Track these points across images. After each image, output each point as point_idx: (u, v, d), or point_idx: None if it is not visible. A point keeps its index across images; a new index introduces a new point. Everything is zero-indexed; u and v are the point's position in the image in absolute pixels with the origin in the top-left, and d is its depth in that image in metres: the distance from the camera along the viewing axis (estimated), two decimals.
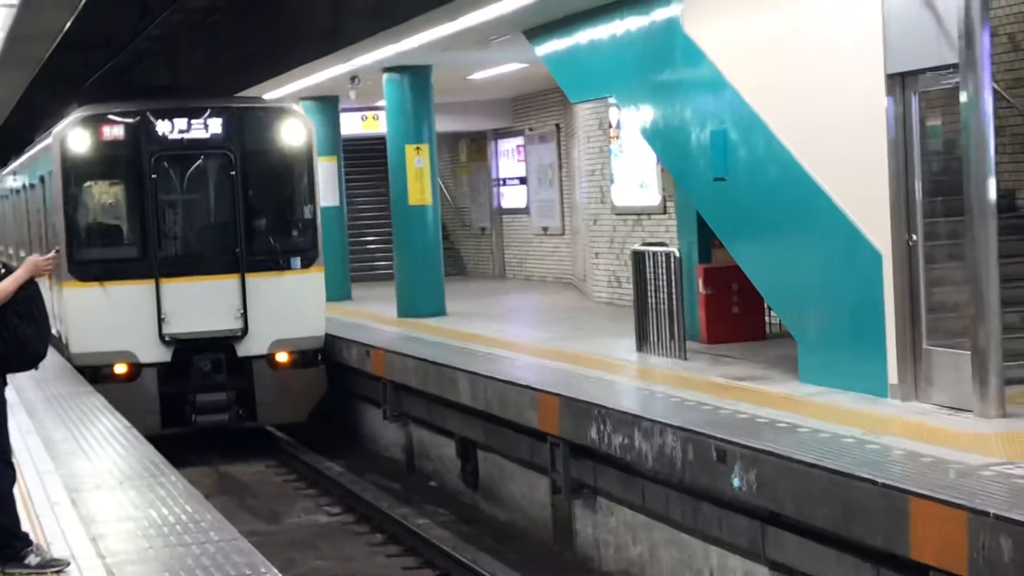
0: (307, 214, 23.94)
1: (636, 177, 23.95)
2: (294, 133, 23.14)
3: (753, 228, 16.21)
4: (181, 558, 9.45)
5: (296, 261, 22.78)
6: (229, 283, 22.34)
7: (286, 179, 24.11)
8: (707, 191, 17.15)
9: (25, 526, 9.62)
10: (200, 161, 22.96)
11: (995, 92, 13.19)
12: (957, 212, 12.81)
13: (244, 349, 22.35)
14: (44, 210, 26.41)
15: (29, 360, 9.37)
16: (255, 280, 22.46)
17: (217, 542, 9.87)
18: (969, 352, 12.53)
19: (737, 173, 16.04)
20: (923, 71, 13.02)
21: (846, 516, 10.71)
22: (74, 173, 22.44)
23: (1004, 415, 12.30)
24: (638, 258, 18.76)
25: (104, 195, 23.87)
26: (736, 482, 12.00)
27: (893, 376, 13.51)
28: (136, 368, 21.86)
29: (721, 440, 12.39)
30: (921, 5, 12.76)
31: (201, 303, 22.24)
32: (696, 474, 12.80)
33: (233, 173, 22.54)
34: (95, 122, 22.05)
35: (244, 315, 22.27)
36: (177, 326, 21.89)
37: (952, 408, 12.65)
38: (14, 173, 36.00)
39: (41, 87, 34.64)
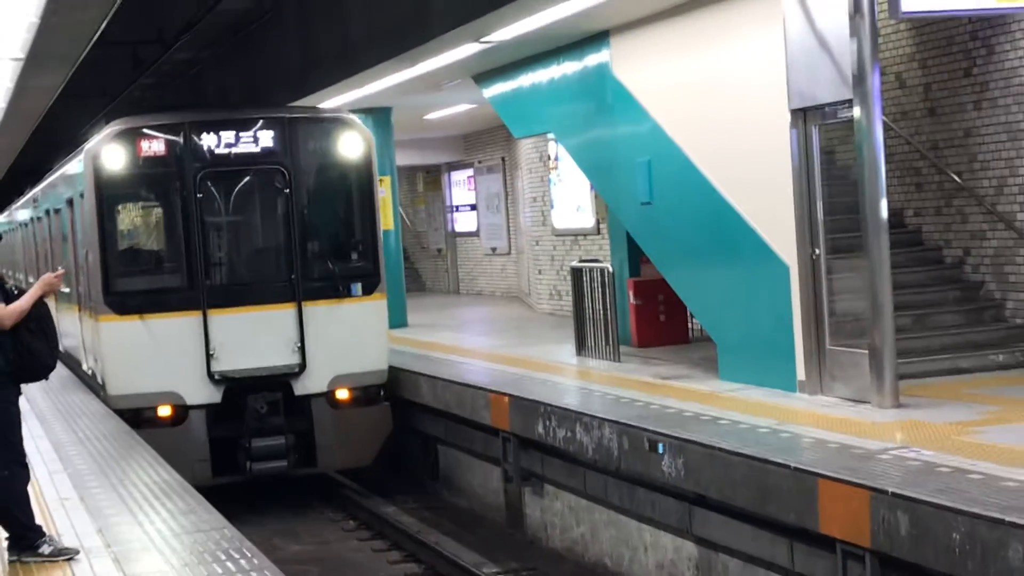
0: (367, 236, 18.53)
1: (573, 202, 23.95)
2: (353, 146, 18.09)
3: (676, 246, 16.26)
4: (186, 546, 9.38)
5: (357, 288, 17.84)
6: (284, 313, 17.51)
7: (344, 197, 18.89)
8: (635, 214, 17.22)
9: (38, 520, 9.54)
10: (250, 178, 17.96)
11: (884, 124, 13.29)
12: (854, 229, 12.88)
13: (302, 387, 17.45)
14: (72, 237, 21.28)
15: (40, 372, 9.32)
16: (313, 309, 17.55)
17: (221, 529, 9.81)
18: (867, 351, 12.59)
19: (661, 198, 16.13)
20: (822, 106, 13.08)
21: (763, 497, 10.74)
22: (109, 194, 17.33)
23: (898, 406, 12.37)
24: (576, 274, 18.72)
25: (143, 218, 18.47)
26: (664, 461, 12.06)
27: (801, 373, 13.57)
28: (182, 410, 16.98)
29: (652, 432, 12.43)
30: (819, 49, 12.82)
31: (253, 336, 17.35)
32: (631, 462, 12.82)
33: (287, 191, 17.56)
34: (132, 136, 16.98)
35: (301, 349, 17.43)
36: (227, 363, 17.07)
37: (853, 400, 12.71)
38: (34, 200, 29.49)
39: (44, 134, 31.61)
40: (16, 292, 9.19)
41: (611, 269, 18.15)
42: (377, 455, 18.40)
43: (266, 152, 17.59)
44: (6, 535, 9.24)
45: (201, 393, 17.06)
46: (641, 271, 18.93)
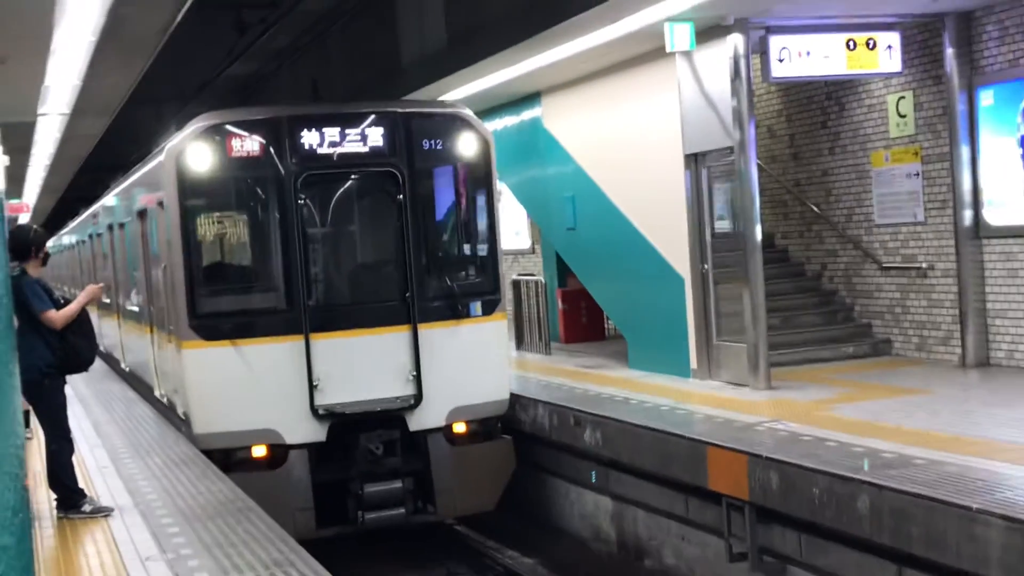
0: (487, 248, 13.11)
1: (513, 228, 23.93)
2: (472, 145, 12.71)
3: (596, 262, 16.30)
4: (204, 503, 9.29)
5: (476, 307, 12.52)
6: (397, 338, 12.09)
7: (462, 204, 13.34)
8: (563, 237, 17.23)
9: (81, 484, 9.44)
10: (358, 183, 12.44)
11: (758, 166, 13.36)
12: (736, 248, 12.93)
13: (417, 422, 12.05)
14: (143, 250, 15.36)
15: (83, 366, 9.23)
16: (429, 332, 12.20)
17: (234, 492, 9.73)
18: (745, 345, 12.67)
19: (584, 224, 16.17)
20: (709, 152, 13.14)
21: (664, 461, 10.80)
22: (194, 200, 11.98)
23: (770, 388, 12.43)
24: (516, 285, 18.61)
25: (233, 228, 12.48)
26: (586, 433, 12.06)
27: (693, 363, 13.62)
28: (281, 451, 11.62)
29: (577, 410, 12.43)
30: (707, 106, 12.88)
31: (363, 364, 12.02)
32: (559, 434, 12.80)
33: (399, 197, 12.16)
34: (220, 134, 11.68)
35: (417, 378, 12.07)
36: (333, 395, 11.75)
37: (735, 384, 12.75)
38: (94, 216, 22.95)
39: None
40: (63, 300, 9.07)
41: (543, 281, 18.21)
42: (500, 497, 12.80)
43: (375, 152, 12.26)
44: (55, 497, 9.13)
45: (303, 431, 11.70)
46: (567, 283, 18.84)
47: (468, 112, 12.78)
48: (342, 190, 12.40)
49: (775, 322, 13.91)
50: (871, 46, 13.04)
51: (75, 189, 31.48)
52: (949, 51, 12.96)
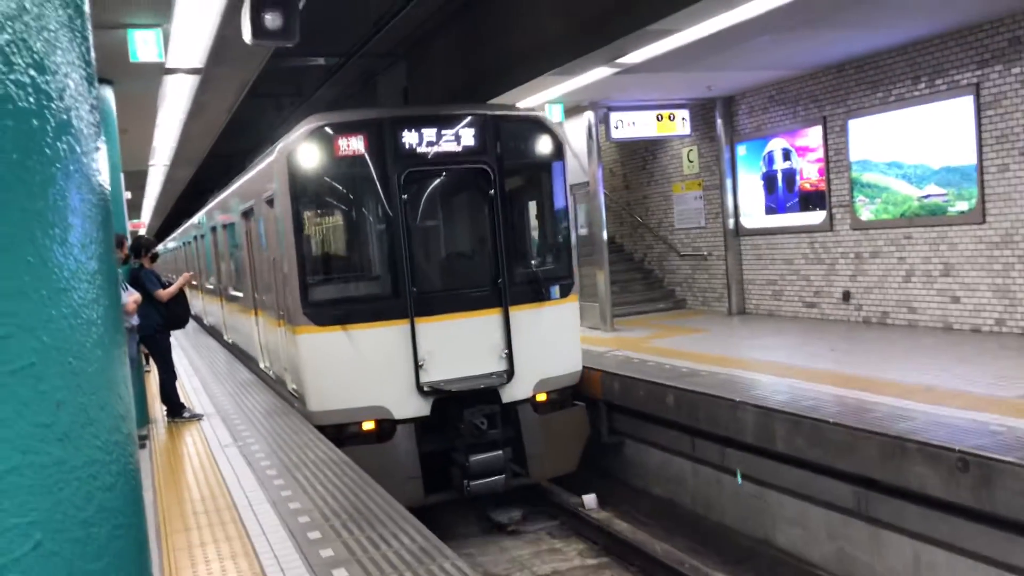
0: (563, 237, 10.19)
1: None
2: (550, 145, 9.81)
3: None
4: (261, 409, 9.19)
5: (555, 290, 9.68)
6: (491, 319, 9.21)
7: (543, 198, 10.20)
8: None
9: (183, 399, 9.29)
10: (454, 178, 9.46)
11: (605, 193, 13.43)
12: (592, 244, 12.98)
13: (509, 394, 9.17)
14: (247, 246, 11.79)
15: (181, 325, 9.08)
16: (517, 314, 9.34)
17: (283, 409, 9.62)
18: (598, 304, 12.73)
19: None
20: (577, 184, 13.22)
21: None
22: (306, 196, 8.91)
23: (614, 331, 12.50)
24: None
25: (341, 221, 9.36)
26: None
27: None
28: (389, 425, 8.83)
29: None
30: (574, 155, 12.95)
31: (461, 345, 9.16)
32: None
33: (492, 192, 9.30)
34: (328, 134, 8.84)
35: (509, 355, 9.19)
36: (436, 373, 8.96)
37: (593, 328, 12.79)
38: (197, 225, 18.43)
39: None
40: (168, 282, 8.95)
41: None
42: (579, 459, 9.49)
43: (468, 151, 9.28)
44: (165, 409, 8.99)
45: (409, 406, 8.78)
46: None
47: (546, 117, 9.59)
48: (439, 185, 9.07)
49: (616, 289, 14.05)
50: (672, 118, 13.21)
51: (175, 213, 31.89)
52: (719, 121, 13.17)
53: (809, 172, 11.88)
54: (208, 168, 20.14)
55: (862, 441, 6.18)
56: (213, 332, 17.86)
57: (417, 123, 8.72)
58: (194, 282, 19.16)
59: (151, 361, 9.61)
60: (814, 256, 11.92)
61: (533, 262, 9.39)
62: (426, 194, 8.95)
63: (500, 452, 8.68)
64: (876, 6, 8.20)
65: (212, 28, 7.30)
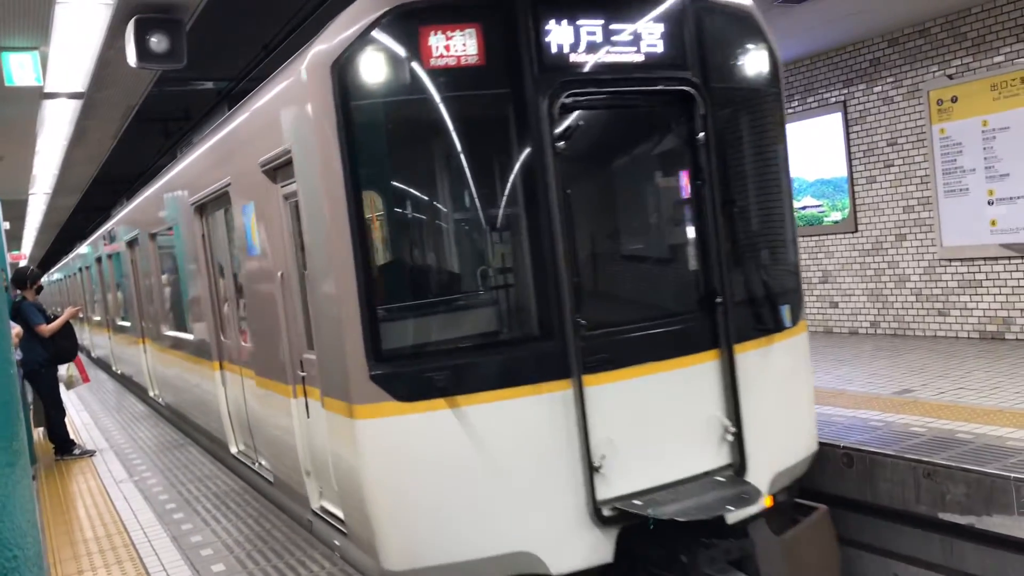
0: (788, 222, 4.34)
1: None
2: (767, 62, 4.09)
3: None
4: (157, 443, 8.79)
5: (785, 313, 4.10)
6: (702, 371, 3.77)
7: (762, 150, 4.16)
8: None
9: (72, 436, 8.86)
10: (633, 114, 3.64)
11: None
12: None
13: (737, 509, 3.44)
14: (205, 261, 6.34)
15: (67, 359, 8.73)
16: (742, 358, 3.90)
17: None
18: None
19: None
20: None
21: None
22: (374, 150, 3.09)
23: None
24: None
25: (442, 199, 3.34)
26: None
27: None
28: None
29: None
30: None
31: (659, 422, 3.65)
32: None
33: (700, 137, 3.69)
34: (411, 28, 2.94)
35: (738, 435, 3.82)
36: (622, 480, 3.45)
37: None
38: (110, 233, 12.46)
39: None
40: (53, 316, 8.59)
41: None
42: None
43: (657, 60, 3.89)
44: (53, 446, 8.56)
45: (576, 548, 3.65)
46: None
47: (758, 11, 4.71)
48: (610, 127, 4.34)
49: None
50: None
51: (57, 243, 30.77)
52: None
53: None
54: (94, 199, 19.44)
55: None
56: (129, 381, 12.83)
57: (572, 8, 4.01)
58: (81, 315, 18.31)
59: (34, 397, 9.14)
60: None
61: (759, 265, 4.59)
62: (589, 143, 4.17)
63: None
64: None
65: (94, 51, 7.05)
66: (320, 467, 4.62)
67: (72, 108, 8.88)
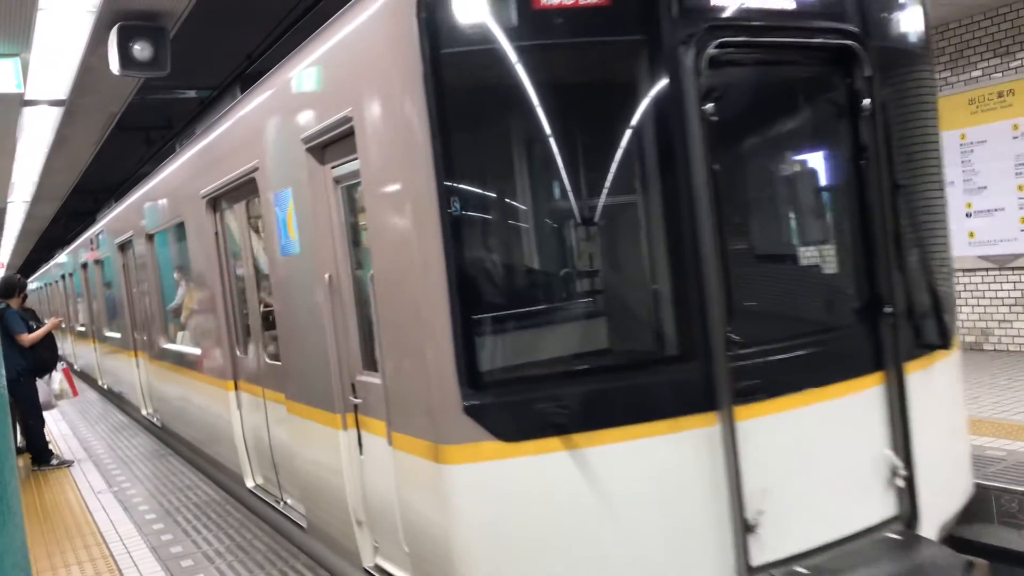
0: (943, 214, 3.26)
1: None
2: (921, 21, 3.02)
3: None
4: (137, 452, 8.70)
5: (947, 326, 3.15)
6: (862, 399, 2.78)
7: (921, 129, 3.09)
8: None
9: (51, 446, 8.76)
10: (787, 74, 2.71)
11: None
12: None
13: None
14: (221, 265, 5.33)
15: (47, 371, 8.64)
16: (911, 380, 2.89)
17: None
18: None
19: None
20: None
21: None
22: (466, 115, 2.21)
23: None
24: None
25: (557, 178, 2.34)
26: None
27: None
28: None
29: None
30: None
31: (820, 464, 2.73)
32: None
33: (866, 104, 2.67)
34: None
35: (910, 477, 2.78)
36: (782, 541, 2.48)
37: None
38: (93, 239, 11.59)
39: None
40: (36, 326, 8.51)
41: None
42: None
43: (814, 10, 2.92)
44: (31, 456, 8.47)
45: None
46: None
47: None
48: (761, 90, 3.26)
49: None
50: None
51: (36, 251, 30.60)
52: None
53: None
54: (73, 208, 19.30)
55: None
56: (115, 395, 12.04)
57: None
58: (63, 325, 18.11)
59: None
60: None
61: (924, 267, 3.67)
62: (732, 110, 3.16)
63: None
64: None
65: (76, 58, 7.01)
66: (378, 517, 3.60)
67: (53, 115, 8.82)
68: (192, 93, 14.94)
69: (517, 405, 2.75)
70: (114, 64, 6.24)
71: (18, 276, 9.12)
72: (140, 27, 6.20)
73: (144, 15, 6.22)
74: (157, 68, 6.28)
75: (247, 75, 5.74)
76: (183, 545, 5.43)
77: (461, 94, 2.76)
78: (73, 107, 8.55)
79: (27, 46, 6.53)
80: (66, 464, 8.42)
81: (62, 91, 7.90)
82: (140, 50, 6.21)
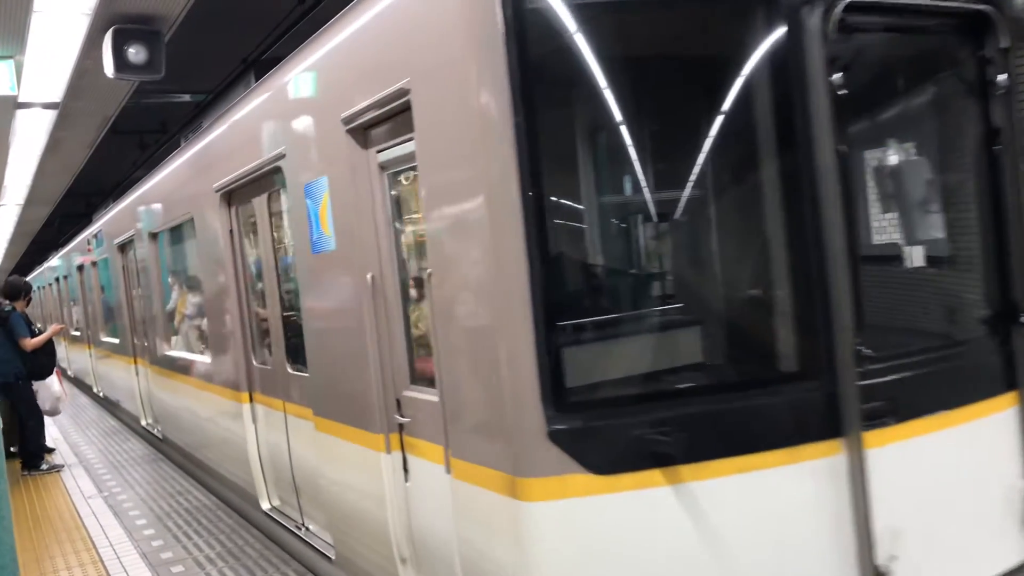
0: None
1: None
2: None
3: None
4: (127, 457, 8.65)
5: None
6: (998, 422, 2.23)
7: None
8: None
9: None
10: (923, 43, 2.14)
11: None
12: None
13: None
14: (270, 262, 4.36)
15: (44, 375, 8.63)
16: None
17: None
18: None
19: None
20: None
21: None
22: (560, 73, 1.74)
23: None
24: None
25: (651, 157, 1.79)
26: None
27: None
28: None
29: None
30: None
31: (953, 498, 2.18)
32: None
33: (1001, 83, 2.11)
34: None
35: None
36: None
37: None
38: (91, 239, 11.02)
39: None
40: (38, 330, 8.64)
41: None
42: None
43: None
44: (21, 461, 8.41)
45: None
46: None
47: None
48: (883, 63, 2.70)
49: None
50: None
51: (28, 255, 30.63)
52: None
53: None
54: (66, 211, 19.27)
55: None
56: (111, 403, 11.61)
57: None
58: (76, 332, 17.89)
59: None
60: None
61: None
62: (859, 85, 2.57)
63: None
64: None
65: (71, 60, 6.99)
66: (428, 555, 3.06)
67: (47, 118, 8.79)
68: (187, 97, 14.91)
69: (612, 430, 2.25)
70: (109, 67, 6.23)
71: (24, 280, 9.13)
72: (135, 31, 6.19)
73: (139, 19, 6.21)
74: (152, 72, 6.26)
75: (246, 75, 5.71)
76: (174, 551, 5.40)
77: (550, 60, 2.23)
78: (67, 110, 8.53)
79: (21, 48, 6.51)
80: (56, 468, 8.37)
81: (56, 94, 7.88)
82: (135, 54, 6.19)
